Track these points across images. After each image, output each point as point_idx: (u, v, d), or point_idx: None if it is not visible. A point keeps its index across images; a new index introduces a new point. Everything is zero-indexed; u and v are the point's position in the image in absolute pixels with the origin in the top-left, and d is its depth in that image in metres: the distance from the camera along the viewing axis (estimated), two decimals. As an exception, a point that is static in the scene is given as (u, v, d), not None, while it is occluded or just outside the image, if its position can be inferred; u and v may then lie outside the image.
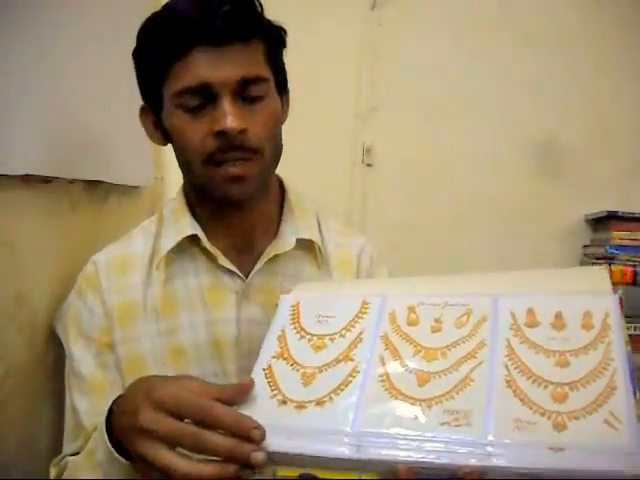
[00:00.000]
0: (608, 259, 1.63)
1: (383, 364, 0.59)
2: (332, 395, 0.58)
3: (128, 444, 0.60)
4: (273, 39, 0.79)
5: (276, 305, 0.70)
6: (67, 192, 1.17)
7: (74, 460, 0.77)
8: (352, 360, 0.60)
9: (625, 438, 0.46)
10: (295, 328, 0.66)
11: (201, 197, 0.83)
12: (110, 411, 0.65)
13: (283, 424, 0.56)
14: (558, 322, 0.56)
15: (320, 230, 0.88)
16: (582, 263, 1.78)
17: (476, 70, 1.79)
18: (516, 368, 0.54)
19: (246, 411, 0.58)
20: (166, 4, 0.76)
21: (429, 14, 1.80)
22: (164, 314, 0.81)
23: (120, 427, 0.62)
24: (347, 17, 1.80)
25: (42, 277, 1.08)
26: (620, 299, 0.56)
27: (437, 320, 0.61)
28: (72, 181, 1.16)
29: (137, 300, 0.82)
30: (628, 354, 0.53)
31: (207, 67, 0.72)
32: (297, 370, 0.61)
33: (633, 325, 1.59)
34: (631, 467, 0.45)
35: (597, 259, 1.68)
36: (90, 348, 0.82)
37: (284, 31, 0.80)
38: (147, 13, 0.77)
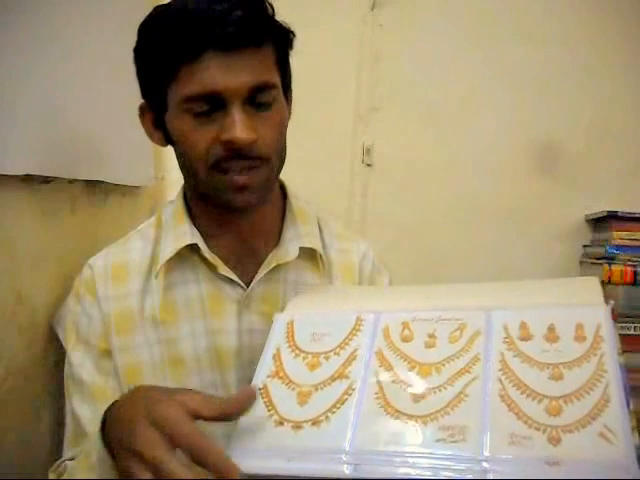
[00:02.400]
0: (608, 259, 1.62)
1: (378, 381, 0.59)
2: (328, 414, 0.58)
3: (116, 456, 0.58)
4: (283, 43, 0.77)
5: (271, 322, 0.70)
6: (67, 192, 1.17)
7: (72, 463, 0.76)
8: (347, 378, 0.60)
9: (620, 451, 0.47)
10: (290, 347, 0.66)
11: (203, 202, 0.81)
12: (105, 416, 0.63)
13: (281, 445, 0.56)
14: (551, 334, 0.57)
15: (322, 236, 0.87)
16: (582, 263, 1.78)
17: (476, 70, 1.79)
18: (510, 382, 0.54)
19: (244, 431, 0.58)
20: (174, 2, 0.72)
21: (429, 14, 1.80)
22: (163, 323, 0.79)
23: (113, 436, 0.60)
24: (347, 17, 1.79)
25: (42, 277, 1.08)
26: (612, 310, 0.56)
27: (431, 335, 0.61)
28: (72, 181, 1.16)
29: (135, 308, 0.80)
30: (621, 366, 0.53)
31: (218, 73, 0.69)
32: (292, 389, 0.61)
33: (633, 325, 1.59)
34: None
35: (597, 259, 1.68)
36: (90, 354, 0.80)
37: (293, 34, 0.78)
38: (147, 13, 0.76)
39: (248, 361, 0.78)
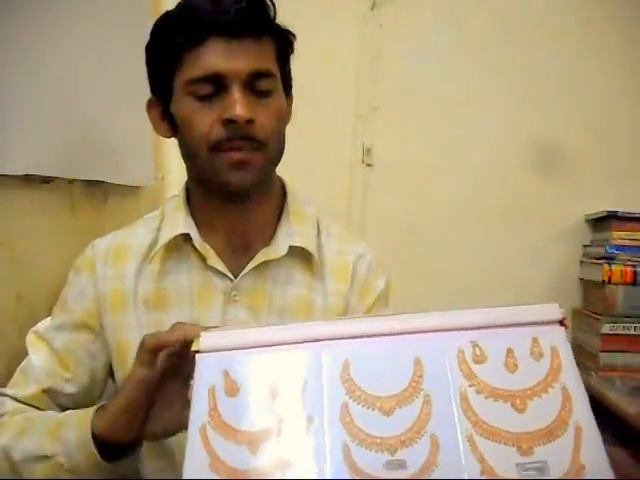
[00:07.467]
0: (608, 259, 1.63)
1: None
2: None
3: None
4: (282, 41, 0.81)
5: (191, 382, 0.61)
6: (67, 192, 1.17)
7: (30, 417, 0.78)
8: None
9: None
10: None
11: (202, 192, 0.84)
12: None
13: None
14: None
15: (319, 237, 0.88)
16: (582, 263, 1.78)
17: (476, 70, 1.79)
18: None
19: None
20: (181, 2, 0.78)
21: (429, 14, 1.80)
22: (154, 308, 0.83)
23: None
24: (347, 17, 1.79)
25: (42, 277, 1.08)
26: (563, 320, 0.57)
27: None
28: (72, 181, 1.16)
29: (129, 289, 0.83)
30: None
31: (220, 57, 0.74)
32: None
33: (633, 325, 1.59)
34: None
35: (597, 259, 1.68)
36: (69, 322, 0.84)
37: (293, 36, 0.83)
38: (150, 14, 0.77)
39: None
